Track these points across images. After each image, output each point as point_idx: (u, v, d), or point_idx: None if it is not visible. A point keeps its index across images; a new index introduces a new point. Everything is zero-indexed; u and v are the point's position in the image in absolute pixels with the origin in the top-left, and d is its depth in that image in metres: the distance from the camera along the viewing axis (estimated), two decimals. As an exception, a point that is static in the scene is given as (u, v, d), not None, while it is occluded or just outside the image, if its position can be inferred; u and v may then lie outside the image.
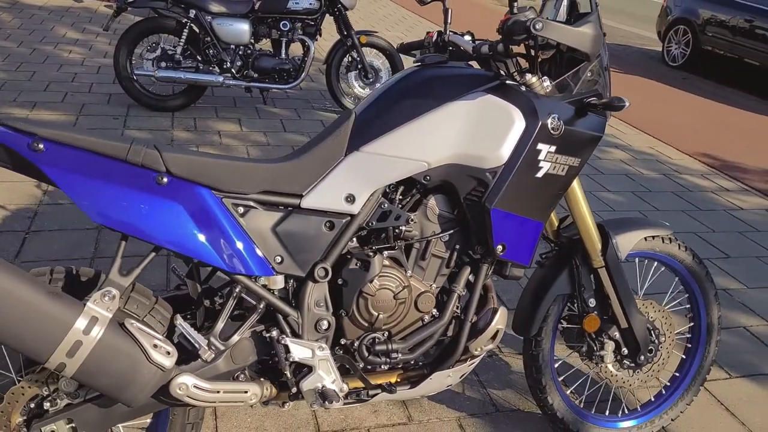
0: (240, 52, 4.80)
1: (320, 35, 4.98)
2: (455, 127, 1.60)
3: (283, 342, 1.58)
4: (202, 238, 1.47)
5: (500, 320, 1.73)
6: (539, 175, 1.63)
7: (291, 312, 1.60)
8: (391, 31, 8.82)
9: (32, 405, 1.52)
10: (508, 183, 1.60)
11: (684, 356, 2.20)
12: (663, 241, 2.02)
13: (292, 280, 1.63)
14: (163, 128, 4.56)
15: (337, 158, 1.60)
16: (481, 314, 1.77)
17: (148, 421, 1.76)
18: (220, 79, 4.73)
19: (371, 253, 1.62)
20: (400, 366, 1.75)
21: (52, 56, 5.97)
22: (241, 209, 1.54)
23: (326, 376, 1.62)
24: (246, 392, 1.58)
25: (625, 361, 2.02)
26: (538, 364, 2.00)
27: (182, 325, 1.50)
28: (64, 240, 3.01)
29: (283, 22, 4.81)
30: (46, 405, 1.50)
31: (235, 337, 1.57)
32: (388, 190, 1.67)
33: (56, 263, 2.82)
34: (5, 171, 3.61)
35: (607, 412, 2.24)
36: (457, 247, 1.71)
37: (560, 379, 2.17)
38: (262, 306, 1.58)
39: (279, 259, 1.57)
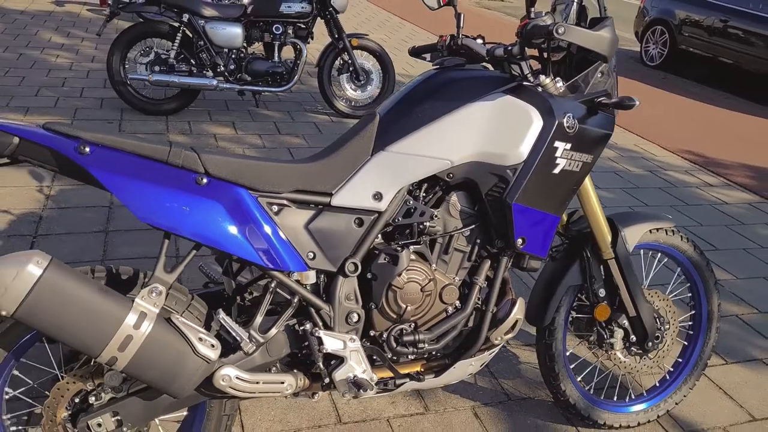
0: (233, 56, 4.84)
1: (312, 38, 5.04)
2: (477, 127, 1.68)
3: (316, 334, 1.65)
4: (240, 235, 1.53)
5: (519, 311, 1.81)
6: (556, 171, 1.72)
7: (323, 306, 1.67)
8: (376, 32, 8.89)
9: (77, 400, 1.57)
10: (528, 179, 1.68)
11: (686, 343, 2.31)
12: (666, 233, 2.12)
13: (323, 275, 1.70)
14: (158, 132, 4.58)
15: (364, 158, 1.67)
16: (501, 305, 1.85)
17: (184, 414, 1.81)
18: (214, 82, 4.77)
19: (399, 248, 1.69)
20: (425, 356, 1.82)
21: (40, 61, 5.95)
22: (275, 208, 1.61)
23: (357, 366, 1.69)
24: (283, 383, 1.65)
25: (633, 348, 2.12)
26: (552, 352, 2.09)
27: (224, 319, 1.55)
28: (73, 243, 3.03)
29: (275, 26, 4.87)
30: (91, 399, 1.55)
31: (273, 330, 1.63)
32: (412, 188, 1.75)
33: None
34: (4, 177, 3.61)
35: (615, 398, 2.34)
36: (478, 241, 1.79)
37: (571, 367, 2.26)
38: (296, 300, 1.65)
39: (311, 255, 1.64)
